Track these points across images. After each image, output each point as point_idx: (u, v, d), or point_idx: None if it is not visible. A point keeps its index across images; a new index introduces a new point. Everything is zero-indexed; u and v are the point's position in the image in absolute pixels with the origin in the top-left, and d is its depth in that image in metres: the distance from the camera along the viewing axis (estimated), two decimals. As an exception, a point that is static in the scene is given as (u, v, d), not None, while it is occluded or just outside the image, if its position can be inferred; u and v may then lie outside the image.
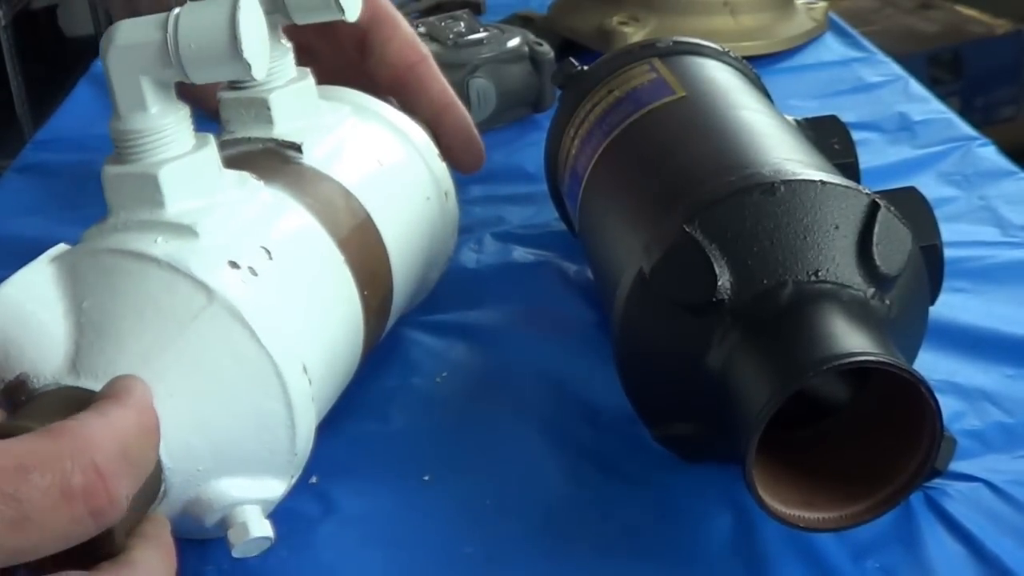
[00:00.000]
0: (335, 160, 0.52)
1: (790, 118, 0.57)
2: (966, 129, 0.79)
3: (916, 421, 0.40)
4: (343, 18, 0.51)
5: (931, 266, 0.47)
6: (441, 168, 0.58)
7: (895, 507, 0.41)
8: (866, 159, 0.60)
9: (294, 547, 0.45)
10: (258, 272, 0.43)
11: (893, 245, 0.43)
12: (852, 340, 0.40)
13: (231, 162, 0.47)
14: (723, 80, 0.58)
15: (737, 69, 0.61)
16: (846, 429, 0.44)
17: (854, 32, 1.03)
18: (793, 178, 0.44)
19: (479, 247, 0.67)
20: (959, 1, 2.58)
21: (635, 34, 0.92)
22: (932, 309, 0.48)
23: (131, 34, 0.42)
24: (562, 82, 0.63)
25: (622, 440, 0.50)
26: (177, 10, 0.42)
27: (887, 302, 0.43)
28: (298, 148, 0.51)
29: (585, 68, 0.62)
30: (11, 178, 0.82)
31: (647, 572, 0.43)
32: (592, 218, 0.56)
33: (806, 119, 0.58)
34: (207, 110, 0.54)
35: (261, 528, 0.41)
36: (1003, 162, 0.74)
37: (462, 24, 0.85)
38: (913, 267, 0.45)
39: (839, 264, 0.43)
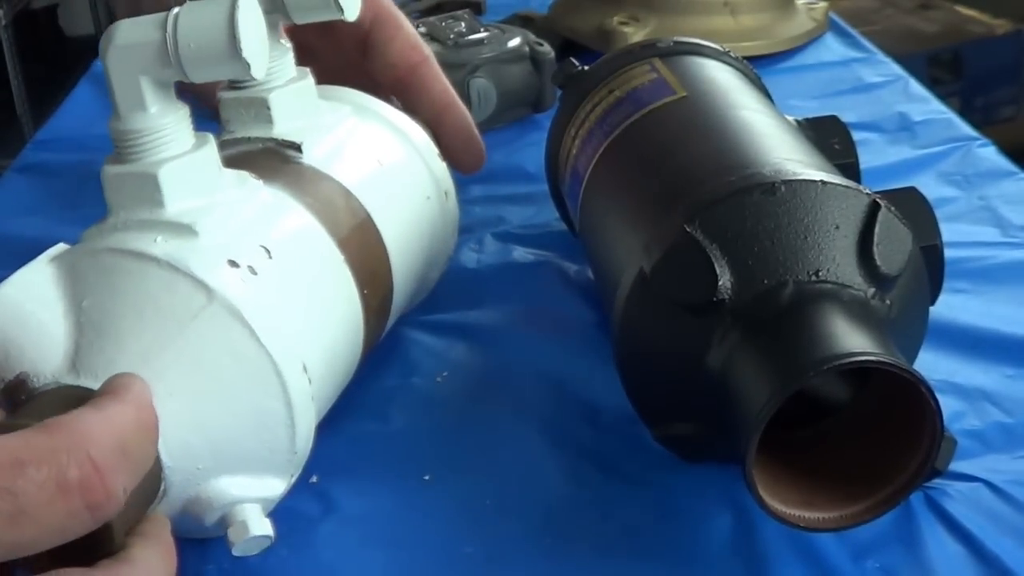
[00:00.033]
0: (335, 160, 0.52)
1: (790, 118, 0.57)
2: (966, 129, 0.79)
3: (916, 421, 0.40)
4: (343, 18, 0.51)
5: (931, 266, 0.47)
6: (441, 167, 0.58)
7: (895, 507, 0.41)
8: (866, 159, 0.60)
9: (294, 546, 0.45)
10: (258, 271, 0.43)
11: (893, 245, 0.43)
12: (852, 340, 0.40)
13: (231, 162, 0.47)
14: (723, 80, 0.58)
15: (737, 69, 0.61)
16: (846, 429, 0.44)
17: (854, 32, 1.03)
18: (794, 178, 0.44)
19: (479, 247, 0.67)
20: (959, 1, 2.58)
21: (635, 34, 0.92)
22: (932, 309, 0.48)
23: (130, 34, 0.42)
24: (563, 82, 0.63)
25: (622, 440, 0.50)
26: (176, 10, 0.42)
27: (887, 302, 0.43)
28: (298, 148, 0.51)
29: (586, 68, 0.62)
30: (11, 178, 0.82)
31: (647, 572, 0.43)
32: (592, 218, 0.56)
33: (806, 119, 0.58)
34: (210, 108, 0.54)
35: (261, 527, 0.41)
36: (1003, 162, 0.74)
37: (463, 24, 0.85)
38: (913, 267, 0.45)
39: (839, 264, 0.43)
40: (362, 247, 0.50)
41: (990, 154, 0.75)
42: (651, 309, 0.45)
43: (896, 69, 0.92)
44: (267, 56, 0.43)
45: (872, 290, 0.43)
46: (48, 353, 0.39)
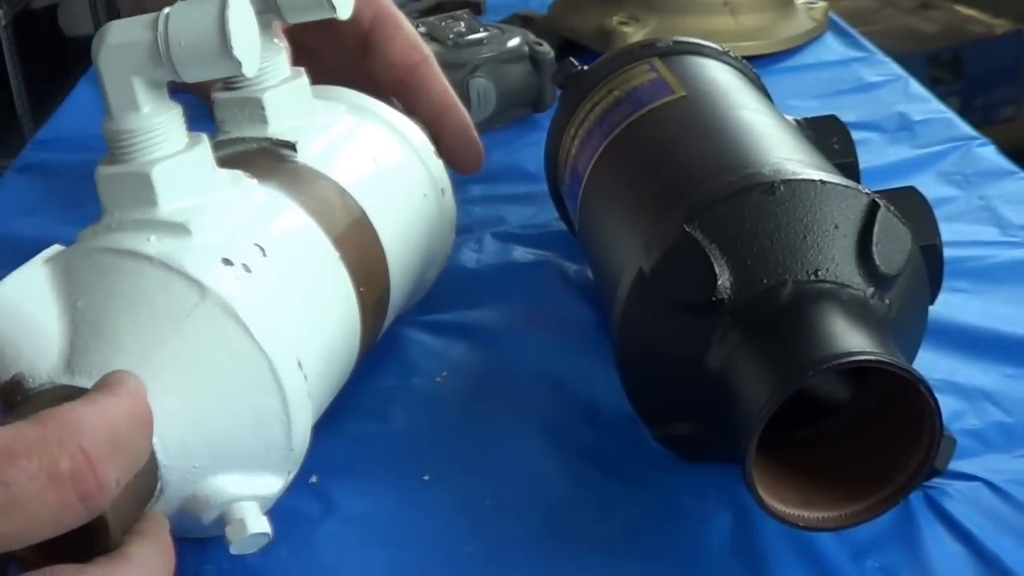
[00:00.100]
0: (330, 158, 0.52)
1: (790, 118, 0.57)
2: (966, 129, 0.79)
3: (916, 420, 0.40)
4: (335, 16, 0.51)
5: (931, 266, 0.47)
6: (437, 165, 0.58)
7: (895, 506, 0.41)
8: (866, 159, 0.60)
9: (294, 546, 0.45)
10: (252, 269, 0.43)
11: (893, 245, 0.43)
12: (852, 340, 0.40)
13: (226, 162, 0.47)
14: (723, 80, 0.58)
15: (737, 69, 0.61)
16: (846, 429, 0.44)
17: (854, 32, 1.03)
18: (793, 178, 0.44)
19: (479, 247, 0.67)
20: (959, 1, 2.58)
21: (635, 34, 0.92)
22: (932, 309, 0.48)
23: (122, 34, 0.42)
24: (562, 82, 0.63)
25: (622, 440, 0.50)
26: (167, 10, 0.42)
27: (887, 302, 0.43)
28: (292, 147, 0.51)
29: (585, 68, 0.62)
30: (11, 178, 0.82)
31: (647, 572, 0.43)
32: (592, 218, 0.56)
33: (806, 119, 0.58)
34: (210, 108, 0.54)
35: (259, 524, 0.41)
36: (1003, 162, 0.74)
37: (462, 24, 0.85)
38: (913, 267, 0.45)
39: (839, 264, 0.43)
40: (358, 245, 0.50)
41: (990, 153, 0.75)
42: (651, 309, 0.45)
43: (896, 69, 0.92)
44: (259, 54, 0.43)
45: (871, 290, 0.43)
46: (43, 353, 0.39)
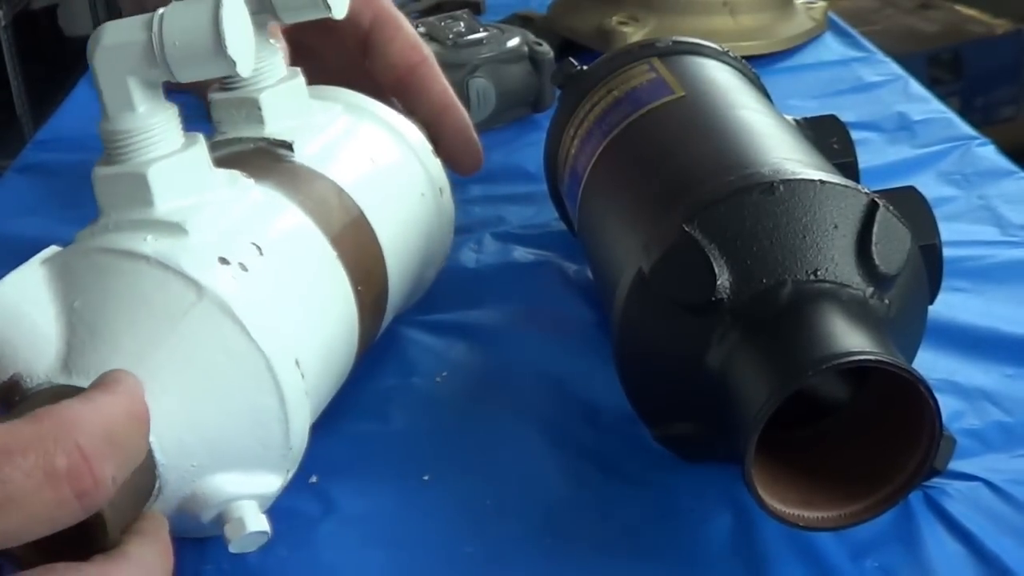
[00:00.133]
0: (327, 158, 0.52)
1: (789, 118, 0.57)
2: (966, 129, 0.79)
3: (915, 420, 0.40)
4: (330, 16, 0.51)
5: (930, 265, 0.47)
6: (435, 164, 0.58)
7: (894, 506, 0.41)
8: (865, 159, 0.60)
9: (294, 546, 0.45)
10: (248, 268, 0.43)
11: (892, 244, 0.44)
12: (851, 339, 0.40)
13: (223, 162, 0.47)
14: (722, 80, 0.58)
15: (736, 69, 0.61)
16: (845, 429, 0.44)
17: (854, 32, 1.03)
18: (792, 178, 0.44)
19: (479, 247, 0.67)
20: (959, 1, 2.58)
21: (634, 34, 0.92)
22: (931, 308, 0.48)
23: (117, 35, 0.42)
24: (562, 82, 0.63)
25: (622, 440, 0.50)
26: (161, 10, 0.42)
27: (886, 301, 0.43)
28: (289, 147, 0.51)
29: (584, 68, 0.62)
30: (11, 178, 0.82)
31: (647, 572, 0.43)
32: (592, 218, 0.56)
33: (805, 119, 0.58)
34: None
35: (257, 523, 0.41)
36: (1003, 162, 0.74)
37: (462, 24, 0.85)
38: (912, 266, 0.45)
39: (838, 263, 0.43)
40: (356, 244, 0.50)
41: (989, 153, 0.75)
42: (650, 309, 0.45)
43: (896, 69, 0.92)
44: (253, 53, 0.43)
45: (871, 289, 0.43)
46: (41, 354, 0.39)
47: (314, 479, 0.48)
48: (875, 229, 0.43)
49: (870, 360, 0.39)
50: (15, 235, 0.70)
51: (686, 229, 0.43)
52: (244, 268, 0.42)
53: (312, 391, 0.44)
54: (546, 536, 0.45)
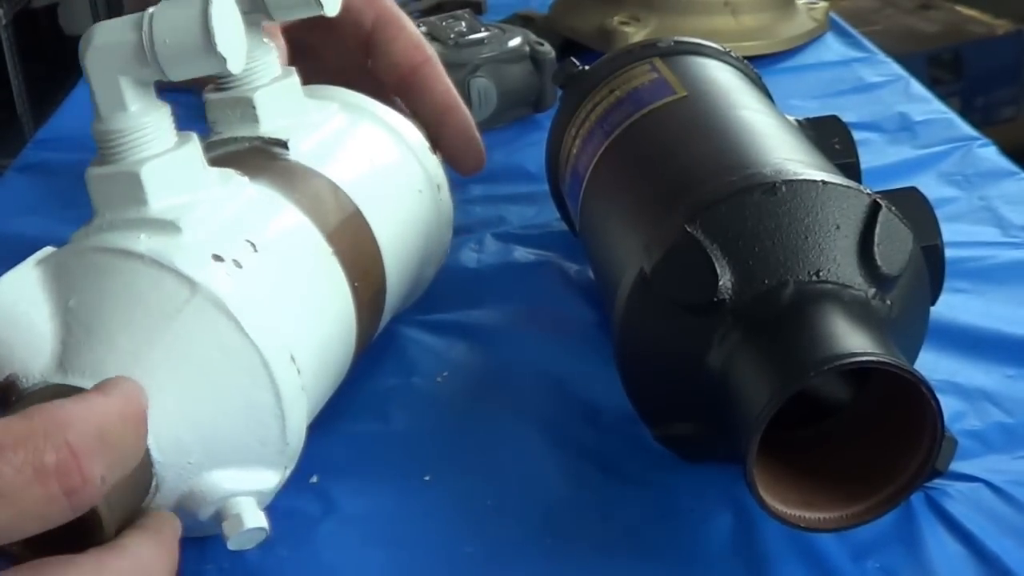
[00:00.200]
0: (322, 155, 0.52)
1: (791, 118, 0.57)
2: (966, 129, 0.79)
3: (917, 421, 0.40)
4: (322, 13, 0.51)
5: (932, 266, 0.47)
6: (432, 161, 0.57)
7: (895, 507, 0.41)
8: (867, 159, 0.60)
9: (294, 546, 0.45)
10: (243, 265, 0.43)
11: (894, 245, 0.43)
12: (853, 340, 0.40)
13: (218, 162, 0.47)
14: (724, 80, 0.58)
15: (738, 69, 0.61)
16: (847, 429, 0.44)
17: (855, 32, 1.03)
18: (794, 178, 0.44)
19: (480, 247, 0.67)
20: (959, 1, 2.59)
21: (636, 34, 0.92)
22: (933, 309, 0.48)
23: (108, 35, 0.43)
24: (563, 82, 0.63)
25: (623, 440, 0.49)
26: (152, 9, 0.42)
27: (888, 302, 0.43)
28: (284, 145, 0.51)
29: (586, 68, 0.62)
30: (12, 177, 0.82)
31: (647, 572, 0.43)
32: (593, 218, 0.56)
33: (807, 119, 0.58)
34: None
35: (255, 519, 0.40)
36: (1003, 162, 0.74)
37: (463, 24, 0.85)
38: (914, 267, 0.45)
39: (840, 264, 0.43)
40: (352, 241, 0.49)
41: (990, 154, 0.75)
42: (652, 309, 0.45)
43: (896, 69, 0.92)
44: (244, 50, 0.43)
45: (873, 290, 0.43)
46: (36, 353, 0.40)
47: (314, 479, 0.48)
48: (877, 230, 0.43)
49: (872, 361, 0.39)
50: (15, 235, 0.70)
51: (688, 229, 0.43)
52: (238, 265, 0.42)
53: (309, 387, 0.44)
54: (546, 536, 0.45)
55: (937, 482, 0.46)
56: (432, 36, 0.82)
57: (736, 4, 0.96)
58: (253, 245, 0.44)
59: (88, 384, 0.38)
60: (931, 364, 0.50)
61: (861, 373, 0.43)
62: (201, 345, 0.40)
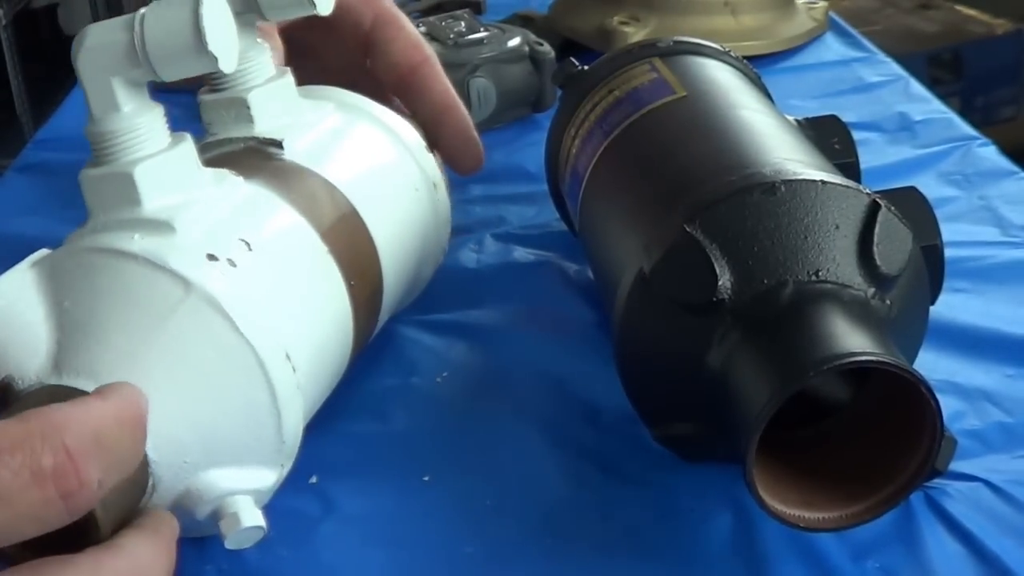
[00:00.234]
0: (317, 154, 0.52)
1: (791, 118, 0.57)
2: (966, 129, 0.79)
3: (916, 421, 0.40)
4: (315, 12, 0.51)
5: (931, 266, 0.47)
6: (429, 160, 0.57)
7: (895, 507, 0.41)
8: (866, 159, 0.60)
9: (294, 546, 0.45)
10: (237, 264, 0.43)
11: (894, 245, 0.43)
12: (852, 340, 0.40)
13: (213, 163, 0.47)
14: (724, 80, 0.58)
15: (738, 69, 0.61)
16: (846, 429, 0.44)
17: (854, 32, 1.03)
18: (794, 178, 0.44)
19: (479, 247, 0.67)
20: (959, 1, 2.59)
21: (635, 34, 0.92)
22: (932, 309, 0.48)
23: (100, 36, 0.43)
24: (563, 82, 0.63)
25: (623, 440, 0.50)
26: (143, 10, 0.42)
27: (887, 302, 0.43)
28: (279, 144, 0.51)
29: (585, 68, 0.62)
30: (11, 177, 0.82)
31: (647, 572, 0.43)
32: (593, 218, 0.56)
33: (807, 119, 0.58)
34: None
35: (252, 518, 0.40)
36: (1003, 162, 0.74)
37: (462, 24, 0.85)
38: (913, 267, 0.45)
39: (840, 264, 0.43)
40: (348, 239, 0.49)
41: (990, 154, 0.75)
42: (651, 309, 0.45)
43: (896, 69, 0.92)
44: (236, 49, 0.43)
45: (872, 290, 0.43)
46: (32, 355, 0.40)
47: (314, 479, 0.48)
48: (876, 230, 0.43)
49: (871, 361, 0.39)
50: (15, 235, 0.70)
51: (687, 229, 0.43)
52: (233, 264, 0.42)
53: (305, 385, 0.44)
54: (546, 536, 0.45)
55: (937, 482, 0.46)
56: (431, 36, 0.82)
57: (736, 4, 0.96)
58: (248, 244, 0.44)
59: (84, 384, 0.38)
60: (931, 364, 0.50)
61: (861, 373, 0.43)
62: (196, 344, 0.40)
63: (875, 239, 0.43)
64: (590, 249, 0.57)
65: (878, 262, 0.43)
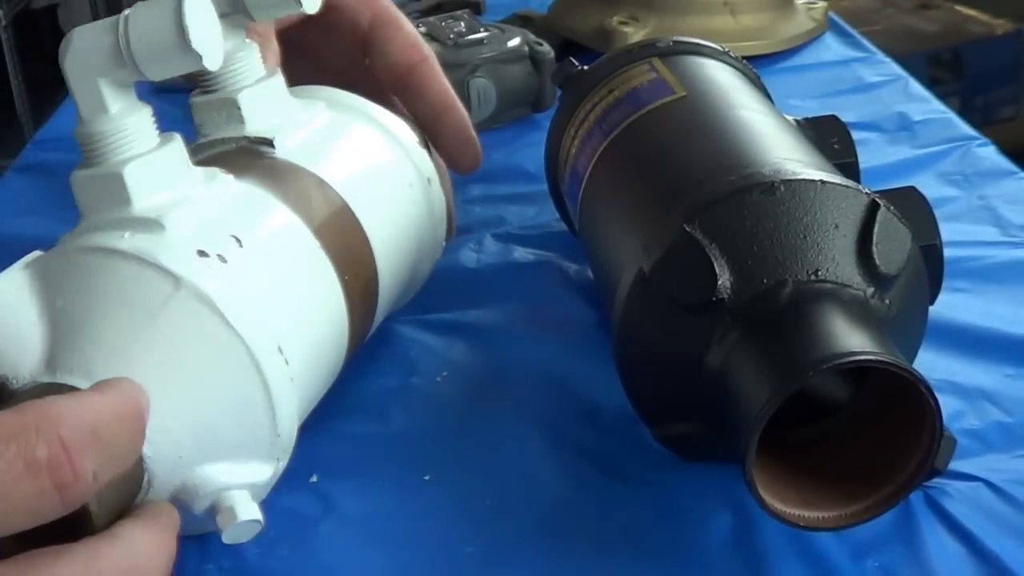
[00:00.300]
0: (308, 152, 0.52)
1: (790, 118, 0.57)
2: (966, 129, 0.79)
3: (916, 420, 0.40)
4: (302, 11, 0.51)
5: (931, 266, 0.47)
6: (422, 155, 0.57)
7: (895, 506, 0.41)
8: (866, 159, 0.60)
9: (294, 546, 0.45)
10: (228, 259, 0.43)
11: (893, 245, 0.44)
12: (852, 339, 0.40)
13: (205, 164, 0.47)
14: (723, 80, 0.58)
15: (737, 69, 0.61)
16: (846, 428, 0.44)
17: (854, 32, 1.03)
18: (793, 178, 0.44)
19: (479, 247, 0.67)
20: (959, 1, 2.59)
21: (635, 34, 0.92)
22: (932, 309, 0.48)
23: (86, 38, 0.43)
24: (562, 82, 0.63)
25: (622, 440, 0.50)
26: (127, 11, 0.42)
27: (887, 302, 0.43)
28: (270, 143, 0.51)
29: (585, 68, 0.62)
30: (11, 178, 0.82)
31: (647, 572, 0.43)
32: (592, 218, 0.56)
33: (806, 119, 0.58)
34: None
35: (249, 512, 0.40)
36: (1003, 162, 0.74)
37: (462, 24, 0.85)
38: (913, 267, 0.45)
39: (839, 263, 0.43)
40: (340, 234, 0.49)
41: (990, 154, 0.75)
42: (651, 309, 0.45)
43: (896, 69, 0.92)
44: (220, 47, 0.44)
45: (871, 289, 0.43)
46: (25, 355, 0.40)
47: (314, 479, 0.48)
48: (876, 229, 0.43)
49: (871, 360, 0.39)
50: (15, 235, 0.70)
51: (687, 229, 0.43)
52: (223, 260, 0.43)
53: (299, 378, 0.44)
54: (546, 536, 0.45)
55: (936, 481, 0.46)
56: (431, 36, 0.82)
57: (735, 4, 0.96)
58: (238, 240, 0.44)
59: (77, 383, 0.39)
60: (930, 363, 0.50)
61: (860, 372, 0.43)
62: (187, 339, 0.40)
63: (874, 239, 0.43)
64: (590, 249, 0.57)
65: (877, 262, 0.43)
